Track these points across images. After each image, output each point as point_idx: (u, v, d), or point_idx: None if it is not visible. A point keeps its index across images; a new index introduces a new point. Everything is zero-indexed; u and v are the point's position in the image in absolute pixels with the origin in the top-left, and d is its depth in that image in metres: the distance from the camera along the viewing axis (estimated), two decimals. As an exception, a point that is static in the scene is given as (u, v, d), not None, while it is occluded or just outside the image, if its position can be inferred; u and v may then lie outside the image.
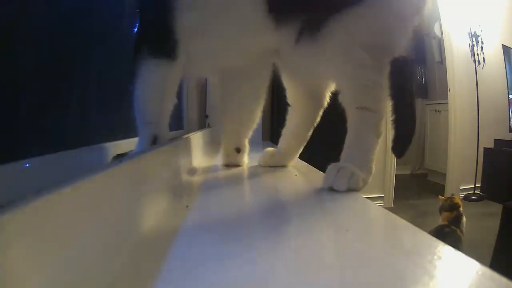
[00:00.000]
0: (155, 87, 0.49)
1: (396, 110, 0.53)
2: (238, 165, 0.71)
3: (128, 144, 0.58)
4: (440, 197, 1.66)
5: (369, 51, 0.46)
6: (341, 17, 0.47)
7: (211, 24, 0.50)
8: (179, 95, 1.19)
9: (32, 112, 0.42)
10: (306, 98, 0.67)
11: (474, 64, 2.90)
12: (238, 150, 0.70)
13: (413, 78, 0.53)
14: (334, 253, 0.26)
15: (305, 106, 0.67)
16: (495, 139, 2.98)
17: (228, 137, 0.70)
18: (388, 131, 0.57)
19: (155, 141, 0.49)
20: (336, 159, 0.49)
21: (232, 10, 0.49)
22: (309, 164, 0.72)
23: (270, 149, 0.72)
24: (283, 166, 0.70)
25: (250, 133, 0.70)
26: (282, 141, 0.70)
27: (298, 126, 0.68)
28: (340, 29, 0.47)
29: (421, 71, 4.21)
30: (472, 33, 2.92)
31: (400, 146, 0.54)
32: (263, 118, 0.77)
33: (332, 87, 0.65)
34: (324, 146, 0.67)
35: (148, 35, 0.50)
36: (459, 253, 0.24)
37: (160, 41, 0.49)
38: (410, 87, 0.53)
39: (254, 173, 0.66)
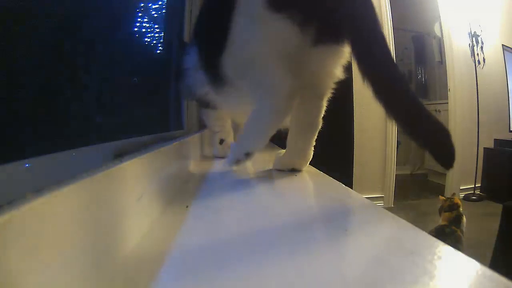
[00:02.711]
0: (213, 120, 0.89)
1: (406, 128, 0.45)
2: None
3: (129, 144, 0.58)
4: (441, 197, 1.66)
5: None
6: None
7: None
8: (179, 96, 1.19)
9: (32, 112, 0.42)
10: (304, 89, 0.60)
11: (474, 64, 2.91)
12: None
13: (404, 82, 0.46)
14: (334, 252, 0.26)
15: (305, 99, 0.60)
16: (495, 139, 2.98)
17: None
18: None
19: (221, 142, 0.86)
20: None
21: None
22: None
23: (283, 151, 0.67)
24: (298, 170, 0.62)
25: None
26: (289, 142, 0.63)
27: (302, 123, 0.62)
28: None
29: (421, 71, 4.22)
30: (472, 33, 2.92)
31: (444, 159, 0.45)
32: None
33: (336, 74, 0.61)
34: (320, 145, 0.65)
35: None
36: (459, 253, 0.24)
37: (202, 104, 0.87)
38: (407, 95, 0.46)
39: (251, 173, 0.66)
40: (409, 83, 0.47)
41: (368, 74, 0.47)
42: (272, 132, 0.57)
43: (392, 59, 0.48)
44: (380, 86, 0.46)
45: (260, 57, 0.56)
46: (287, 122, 0.64)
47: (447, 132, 0.44)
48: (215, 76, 0.64)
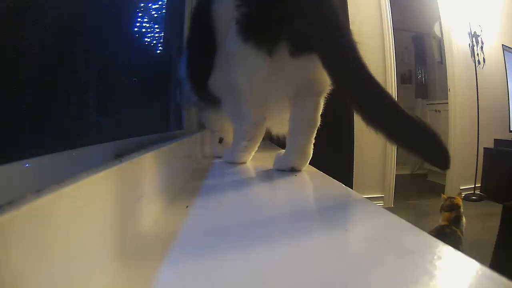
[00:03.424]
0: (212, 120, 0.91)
1: (392, 138, 0.45)
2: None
3: (128, 144, 0.58)
4: (443, 195, 1.67)
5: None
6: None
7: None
8: (180, 105, 1.19)
9: (32, 112, 0.42)
10: (301, 88, 0.61)
11: (474, 64, 2.91)
12: None
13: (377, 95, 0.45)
14: (334, 253, 0.26)
15: (302, 97, 0.61)
16: (495, 139, 2.98)
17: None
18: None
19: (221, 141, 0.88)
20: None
21: None
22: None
23: (283, 151, 0.67)
24: (298, 170, 0.62)
25: None
26: (289, 141, 0.62)
27: (301, 121, 0.61)
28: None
29: (421, 71, 4.22)
30: (472, 33, 2.92)
31: (439, 160, 0.44)
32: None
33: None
34: (320, 145, 0.65)
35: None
36: (459, 253, 0.24)
37: None
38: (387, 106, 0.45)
39: (252, 173, 0.66)
40: (384, 89, 0.46)
41: (341, 91, 0.49)
42: (254, 148, 0.71)
43: (365, 70, 0.47)
44: (356, 102, 0.47)
45: (241, 87, 0.64)
46: (284, 129, 0.64)
47: (435, 133, 0.44)
48: (203, 93, 0.75)
